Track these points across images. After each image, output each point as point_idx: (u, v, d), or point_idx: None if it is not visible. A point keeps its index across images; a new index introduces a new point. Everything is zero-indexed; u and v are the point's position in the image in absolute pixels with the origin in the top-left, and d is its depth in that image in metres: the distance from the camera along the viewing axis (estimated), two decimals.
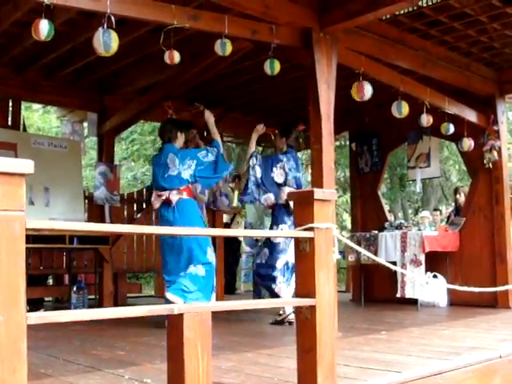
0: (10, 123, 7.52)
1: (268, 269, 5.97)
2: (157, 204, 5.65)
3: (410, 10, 5.66)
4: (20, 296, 1.87)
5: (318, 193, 2.76)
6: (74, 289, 7.54)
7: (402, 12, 5.71)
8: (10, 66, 7.23)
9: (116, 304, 8.00)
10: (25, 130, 8.18)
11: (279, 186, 6.04)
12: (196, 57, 6.62)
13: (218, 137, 5.88)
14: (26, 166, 1.90)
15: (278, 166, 6.09)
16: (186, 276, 5.42)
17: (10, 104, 7.64)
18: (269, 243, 5.96)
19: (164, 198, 5.56)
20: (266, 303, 3.07)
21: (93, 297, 8.16)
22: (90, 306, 7.59)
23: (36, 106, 16.23)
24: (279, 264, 5.95)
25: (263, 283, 6.05)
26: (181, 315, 2.23)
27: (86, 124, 8.80)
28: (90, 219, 8.08)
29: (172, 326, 2.29)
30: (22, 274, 1.88)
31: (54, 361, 3.97)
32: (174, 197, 5.51)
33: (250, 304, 2.72)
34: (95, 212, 8.15)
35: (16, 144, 7.25)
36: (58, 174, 7.60)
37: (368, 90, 5.53)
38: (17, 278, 1.86)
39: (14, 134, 7.42)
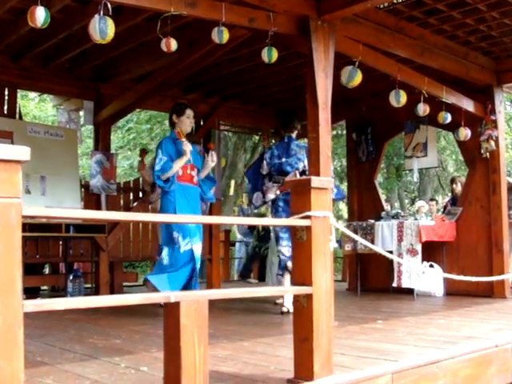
0: (5, 111, 7.47)
1: None
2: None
3: None
4: (16, 284, 1.86)
5: (315, 181, 2.75)
6: (71, 277, 7.55)
7: (400, 0, 5.69)
8: (6, 54, 7.18)
9: (112, 293, 8.00)
10: (21, 118, 8.13)
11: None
12: (193, 45, 6.59)
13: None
14: (22, 152, 1.89)
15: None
16: None
17: (6, 92, 7.59)
18: None
19: None
20: (263, 291, 3.06)
21: (89, 286, 8.16)
22: (86, 295, 7.59)
23: (32, 94, 16.18)
24: None
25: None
26: (177, 303, 2.22)
27: (81, 112, 8.76)
28: (87, 208, 8.04)
29: (168, 313, 2.28)
30: (18, 262, 1.87)
31: (50, 349, 3.97)
32: None
33: (246, 292, 2.71)
34: (91, 201, 8.12)
35: (12, 132, 7.21)
36: (55, 162, 7.57)
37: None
38: (13, 266, 1.86)
39: (10, 122, 7.38)
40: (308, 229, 2.71)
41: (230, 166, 16.21)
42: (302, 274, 2.76)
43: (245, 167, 17.12)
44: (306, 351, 2.72)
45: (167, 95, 8.30)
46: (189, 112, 5.82)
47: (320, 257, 2.75)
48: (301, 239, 2.74)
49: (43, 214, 2.02)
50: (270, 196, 6.12)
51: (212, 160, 5.87)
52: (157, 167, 5.52)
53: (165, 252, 5.62)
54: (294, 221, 2.75)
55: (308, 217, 2.71)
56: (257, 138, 15.73)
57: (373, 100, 8.27)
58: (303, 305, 2.74)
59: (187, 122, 5.82)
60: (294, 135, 6.25)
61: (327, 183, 2.83)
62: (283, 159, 6.10)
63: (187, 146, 5.62)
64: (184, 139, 5.68)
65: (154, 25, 4.84)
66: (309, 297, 2.71)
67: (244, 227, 12.09)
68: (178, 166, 5.59)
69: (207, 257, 8.88)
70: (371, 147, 8.92)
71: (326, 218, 2.78)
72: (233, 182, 13.92)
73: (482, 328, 4.71)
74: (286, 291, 3.40)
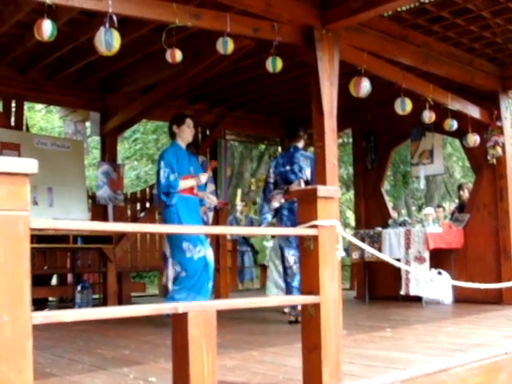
0: (13, 123, 7.51)
1: None
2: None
3: (412, 6, 5.64)
4: (25, 296, 1.87)
5: (322, 190, 2.76)
6: (79, 288, 7.56)
7: (404, 8, 5.69)
8: (13, 67, 7.23)
9: (120, 303, 8.00)
10: (28, 130, 8.18)
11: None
12: (198, 55, 6.61)
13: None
14: (29, 165, 1.90)
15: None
16: None
17: (13, 104, 7.64)
18: None
19: None
20: (271, 301, 3.06)
21: (97, 296, 8.17)
22: (95, 306, 7.61)
23: (39, 106, 16.25)
24: None
25: None
26: (185, 314, 2.23)
27: (88, 123, 8.80)
28: (94, 219, 8.07)
29: (177, 324, 2.29)
30: (26, 274, 1.88)
31: (59, 360, 3.98)
32: None
33: (255, 302, 2.72)
34: (98, 212, 8.15)
35: (19, 144, 7.25)
36: (62, 173, 7.60)
37: (365, 87, 5.51)
38: (21, 278, 1.87)
39: (17, 134, 7.42)
40: (315, 238, 2.71)
41: (236, 175, 16.25)
42: (309, 284, 2.76)
43: (251, 176, 17.15)
44: (314, 360, 2.71)
45: (173, 105, 8.32)
46: (189, 121, 5.85)
47: (327, 266, 2.75)
48: (308, 248, 2.74)
49: (51, 226, 2.03)
50: (275, 204, 6.14)
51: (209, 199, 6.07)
52: (163, 182, 5.53)
53: (178, 267, 5.63)
54: (301, 230, 2.75)
55: (315, 226, 2.71)
56: (263, 147, 15.76)
57: (378, 108, 8.28)
58: (311, 314, 2.74)
59: (188, 131, 5.84)
60: (299, 145, 6.24)
61: (334, 192, 2.83)
62: (287, 167, 6.13)
63: (204, 178, 5.75)
64: (210, 172, 5.89)
65: (160, 36, 4.87)
66: (316, 306, 2.71)
67: (238, 236, 12.14)
68: (183, 186, 5.62)
69: (215, 266, 8.87)
70: (373, 155, 8.94)
71: (332, 226, 2.78)
72: (239, 191, 13.95)
73: (492, 335, 4.69)
74: (293, 301, 3.40)
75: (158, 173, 5.63)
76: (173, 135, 5.87)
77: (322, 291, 2.71)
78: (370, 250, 3.51)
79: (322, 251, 2.71)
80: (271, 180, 6.27)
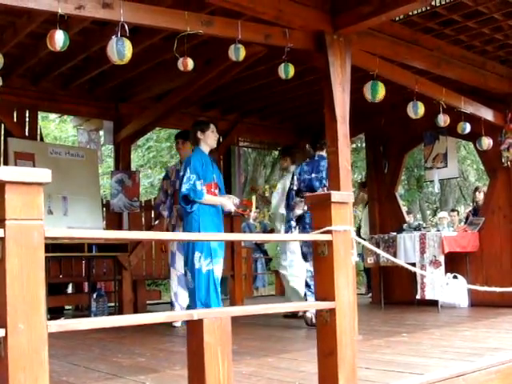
0: (27, 133, 7.57)
1: None
2: None
3: (424, 9, 5.63)
4: (40, 304, 1.88)
5: (335, 195, 2.75)
6: (94, 296, 7.57)
7: (416, 12, 5.68)
8: (26, 77, 7.30)
9: (136, 311, 8.02)
10: (42, 139, 8.23)
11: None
12: (210, 62, 6.64)
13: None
14: (43, 175, 1.91)
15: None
16: None
17: (27, 114, 7.69)
18: None
19: None
20: (287, 307, 3.06)
21: (112, 304, 8.19)
22: (110, 314, 7.62)
23: (52, 115, 16.35)
24: None
25: None
26: (200, 321, 2.23)
27: (101, 132, 8.85)
28: (108, 227, 8.10)
29: (192, 331, 2.28)
30: (41, 283, 1.89)
31: (75, 368, 3.99)
32: None
33: (269, 308, 2.71)
34: (113, 220, 8.18)
35: (34, 154, 7.30)
36: (76, 182, 7.63)
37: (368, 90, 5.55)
38: (37, 287, 1.88)
39: (31, 144, 7.47)
40: (329, 243, 2.71)
41: (250, 182, 16.25)
42: (324, 289, 2.75)
43: (265, 182, 17.15)
44: (330, 366, 2.70)
45: (186, 113, 8.35)
46: (212, 127, 5.91)
47: (342, 271, 2.74)
48: (322, 254, 2.74)
49: (65, 235, 2.04)
50: (298, 212, 6.15)
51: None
52: (186, 186, 5.54)
53: (189, 276, 5.66)
54: (315, 236, 2.75)
55: (329, 231, 2.70)
56: (276, 153, 15.75)
57: (391, 112, 8.25)
58: (326, 319, 2.73)
59: (212, 137, 5.89)
60: (324, 153, 6.21)
61: (347, 197, 2.83)
62: (313, 175, 6.14)
63: (231, 202, 5.82)
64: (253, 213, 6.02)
65: (171, 44, 4.89)
66: (332, 311, 2.70)
67: (251, 242, 12.14)
68: (209, 201, 5.66)
69: (230, 273, 8.89)
70: (384, 160, 8.94)
71: (346, 232, 2.77)
72: (254, 198, 13.92)
73: (509, 339, 4.66)
74: (308, 307, 3.39)
75: (182, 178, 5.63)
76: (197, 141, 5.87)
77: (337, 297, 2.70)
78: (385, 255, 3.49)
79: (337, 256, 2.70)
80: (294, 187, 6.28)
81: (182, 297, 6.35)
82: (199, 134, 5.83)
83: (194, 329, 2.26)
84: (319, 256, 2.76)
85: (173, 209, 6.50)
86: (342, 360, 2.69)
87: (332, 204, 2.72)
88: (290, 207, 6.28)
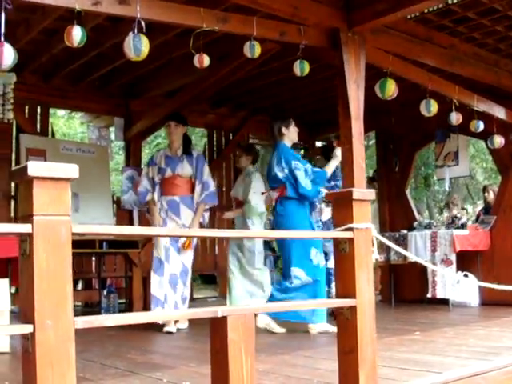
0: (38, 129, 7.59)
1: None
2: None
3: (438, 7, 5.60)
4: (67, 300, 1.88)
5: (357, 193, 2.74)
6: (105, 293, 7.58)
7: (430, 10, 5.66)
8: (38, 74, 7.31)
9: (145, 308, 8.02)
10: (53, 136, 8.24)
11: None
12: (222, 60, 6.63)
13: None
14: (71, 170, 1.92)
15: None
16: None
17: (39, 111, 7.70)
18: None
19: None
20: (308, 304, 3.05)
21: (122, 301, 8.19)
22: (120, 311, 7.64)
23: (60, 112, 16.37)
24: None
25: None
26: (224, 318, 2.22)
27: (112, 129, 8.85)
28: (119, 224, 8.11)
29: (215, 328, 2.28)
30: (69, 279, 1.89)
31: (91, 365, 3.99)
32: None
33: (291, 306, 2.71)
34: (124, 217, 8.19)
35: (45, 150, 7.31)
36: (87, 179, 7.63)
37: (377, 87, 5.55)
38: (64, 283, 1.88)
39: (42, 140, 7.49)
40: (350, 241, 2.70)
41: None
42: (345, 286, 2.74)
43: None
44: (351, 363, 2.69)
45: (196, 110, 8.35)
46: (293, 121, 5.94)
47: (363, 268, 2.73)
48: (343, 251, 2.73)
49: (92, 230, 2.04)
50: (325, 216, 6.17)
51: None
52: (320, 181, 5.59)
53: (302, 273, 5.45)
54: (337, 233, 2.74)
55: (350, 229, 2.70)
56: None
57: (402, 110, 8.23)
58: (347, 317, 2.72)
59: (295, 132, 5.92)
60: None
61: (368, 195, 2.82)
62: (332, 183, 6.18)
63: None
64: None
65: (183, 41, 4.88)
66: (353, 309, 2.70)
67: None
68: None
69: None
70: (395, 157, 8.93)
71: (367, 229, 2.76)
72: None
73: None
74: (330, 304, 3.38)
75: (294, 172, 5.55)
76: (281, 137, 5.82)
77: (358, 294, 2.70)
78: (405, 253, 3.48)
79: (358, 254, 2.70)
80: None
81: (171, 299, 5.57)
82: (284, 130, 5.81)
83: (218, 326, 2.26)
84: (340, 253, 2.76)
85: (161, 199, 5.99)
86: (363, 358, 2.69)
87: (353, 201, 2.72)
88: (315, 209, 6.24)
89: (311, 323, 5.33)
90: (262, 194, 6.44)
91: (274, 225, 5.75)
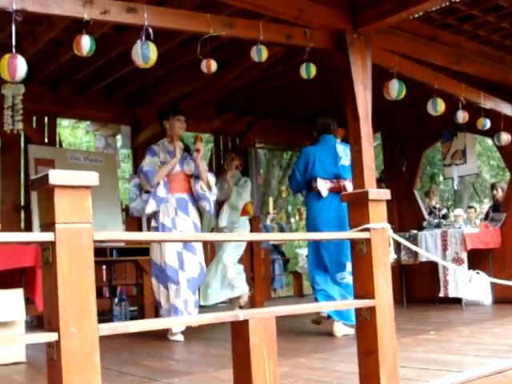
0: (46, 140, 7.60)
1: None
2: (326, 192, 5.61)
3: (442, 6, 5.60)
4: (91, 307, 1.89)
5: (373, 193, 2.74)
6: (116, 301, 7.59)
7: (434, 9, 5.66)
8: (45, 84, 7.32)
9: (157, 315, 8.01)
10: (61, 145, 8.26)
11: None
12: (227, 65, 6.63)
13: None
14: (91, 178, 1.92)
15: None
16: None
17: (46, 121, 7.72)
18: None
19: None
20: (327, 306, 3.05)
21: (133, 308, 8.19)
22: (132, 318, 7.64)
23: (65, 122, 16.41)
24: None
25: None
26: (246, 321, 2.22)
27: (119, 137, 8.86)
28: (128, 231, 8.10)
29: (237, 332, 2.28)
30: (92, 286, 1.89)
31: (108, 372, 3.97)
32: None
33: (312, 307, 2.71)
34: (133, 224, 8.19)
35: (53, 160, 7.33)
36: (96, 187, 7.61)
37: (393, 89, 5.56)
38: (87, 290, 1.88)
39: (50, 150, 7.50)
40: (367, 241, 2.70)
41: (263, 184, 16.25)
42: (363, 287, 2.74)
43: (279, 184, 17.14)
44: (371, 365, 2.69)
45: (201, 116, 8.35)
46: None
47: (380, 269, 2.73)
48: (360, 252, 2.73)
49: (113, 237, 2.04)
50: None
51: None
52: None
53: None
54: (354, 234, 2.74)
55: (367, 229, 2.70)
56: (290, 153, 15.78)
57: (407, 110, 8.23)
58: (366, 318, 2.72)
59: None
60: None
61: (384, 195, 2.82)
62: None
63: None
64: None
65: (189, 47, 4.90)
66: (372, 309, 2.70)
67: (269, 244, 12.12)
68: None
69: (249, 275, 8.87)
70: (402, 157, 8.93)
71: (384, 229, 2.76)
72: (271, 200, 13.95)
73: None
74: (349, 305, 3.38)
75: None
76: (333, 131, 5.83)
77: (377, 294, 2.69)
78: (422, 253, 3.47)
79: (375, 254, 2.70)
80: None
81: (191, 304, 5.53)
82: (334, 125, 5.85)
83: (240, 329, 2.26)
84: (357, 254, 2.75)
85: (169, 197, 5.93)
86: (384, 358, 2.68)
87: (369, 202, 2.72)
88: None
89: (351, 323, 5.13)
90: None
91: (333, 219, 5.42)
